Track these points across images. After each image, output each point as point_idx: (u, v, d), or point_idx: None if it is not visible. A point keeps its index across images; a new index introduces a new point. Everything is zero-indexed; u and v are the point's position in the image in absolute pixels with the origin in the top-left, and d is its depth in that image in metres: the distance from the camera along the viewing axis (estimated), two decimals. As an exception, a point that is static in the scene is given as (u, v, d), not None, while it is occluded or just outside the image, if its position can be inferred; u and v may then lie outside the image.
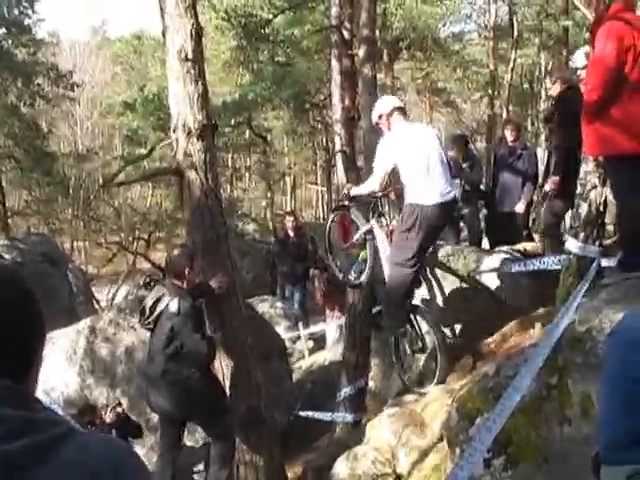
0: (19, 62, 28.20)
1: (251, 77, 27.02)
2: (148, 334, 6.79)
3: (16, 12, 27.93)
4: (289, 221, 14.45)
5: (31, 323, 1.55)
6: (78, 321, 10.82)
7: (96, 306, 20.38)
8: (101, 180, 40.11)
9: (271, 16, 21.69)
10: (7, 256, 17.44)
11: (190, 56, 7.39)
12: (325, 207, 40.71)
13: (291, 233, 14.10)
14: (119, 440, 1.58)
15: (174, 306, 6.24)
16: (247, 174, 37.88)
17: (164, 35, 7.75)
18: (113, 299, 20.69)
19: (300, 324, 12.93)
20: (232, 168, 34.68)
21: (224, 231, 7.49)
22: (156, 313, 6.38)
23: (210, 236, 7.17)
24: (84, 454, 1.38)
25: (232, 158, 35.75)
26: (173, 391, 6.31)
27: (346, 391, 8.59)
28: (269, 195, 34.32)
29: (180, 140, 7.22)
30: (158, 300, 6.40)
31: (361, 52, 9.63)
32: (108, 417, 8.06)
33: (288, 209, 35.56)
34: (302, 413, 9.54)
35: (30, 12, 28.47)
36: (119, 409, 8.19)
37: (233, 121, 26.18)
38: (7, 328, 1.47)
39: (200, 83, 7.33)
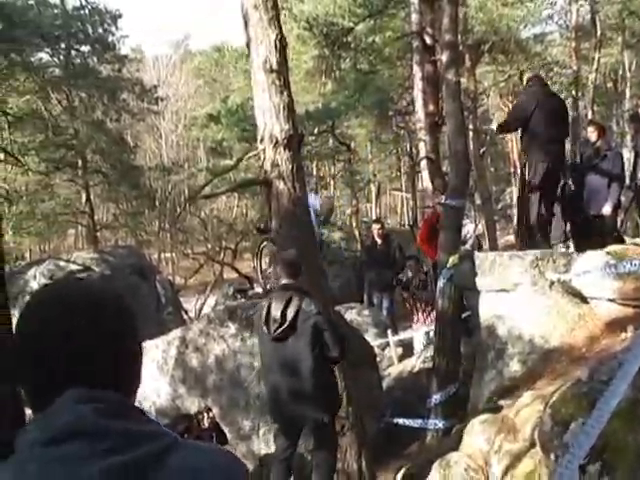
0: (104, 78, 28.98)
1: (334, 85, 27.21)
2: (266, 345, 6.54)
3: (100, 30, 28.62)
4: (376, 228, 14.52)
5: (132, 337, 1.60)
6: (167, 331, 11.03)
7: (184, 316, 20.64)
8: (187, 192, 40.78)
9: (352, 24, 21.81)
10: (96, 268, 17.79)
11: (275, 67, 7.53)
12: (410, 213, 40.59)
13: (378, 240, 14.16)
14: (224, 449, 1.63)
15: (311, 306, 6.18)
16: (332, 182, 37.96)
17: (248, 47, 7.92)
18: (201, 309, 20.95)
19: (389, 331, 12.94)
20: (317, 177, 34.82)
21: (313, 240, 7.58)
22: (289, 318, 6.21)
23: (298, 245, 7.22)
24: (190, 465, 1.43)
25: (317, 167, 35.95)
26: (317, 392, 6.23)
27: (437, 397, 8.58)
28: (354, 203, 34.34)
29: (267, 150, 7.35)
30: (287, 305, 6.22)
31: (444, 57, 9.60)
32: (205, 422, 8.20)
33: (373, 216, 35.64)
34: (392, 420, 9.53)
35: (113, 29, 29.24)
36: (211, 414, 8.33)
37: (317, 130, 26.39)
38: (110, 343, 1.51)
39: (285, 94, 7.45)
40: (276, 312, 6.23)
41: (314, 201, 16.04)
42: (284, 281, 6.47)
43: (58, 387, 1.44)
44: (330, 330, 6.16)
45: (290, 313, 6.18)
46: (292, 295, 6.24)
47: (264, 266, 11.77)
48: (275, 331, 6.23)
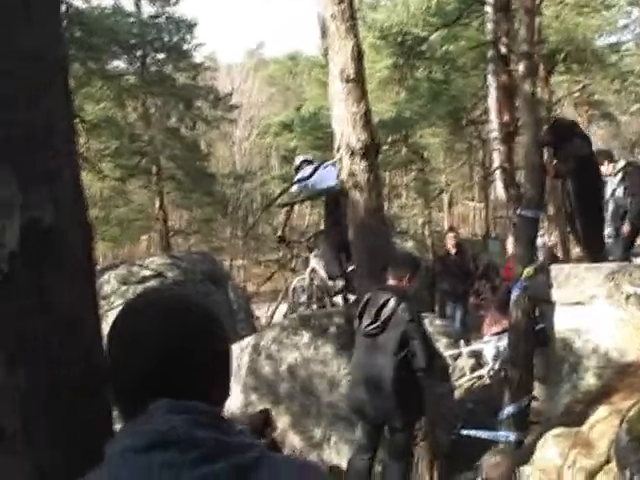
0: (179, 86, 29.35)
1: (407, 95, 27.18)
2: (362, 340, 6.78)
3: (175, 38, 29.01)
4: (450, 238, 14.48)
5: (222, 348, 1.63)
6: (239, 338, 11.12)
7: (255, 323, 20.72)
8: (259, 199, 41.08)
9: (426, 33, 21.82)
10: (169, 274, 17.91)
11: (352, 77, 7.61)
12: (483, 223, 40.28)
13: (452, 250, 14.13)
14: (313, 463, 1.67)
15: (406, 312, 6.30)
16: (404, 191, 37.89)
17: (325, 56, 8.03)
18: (272, 317, 21.08)
19: (461, 342, 12.89)
20: (390, 186, 34.81)
21: (388, 250, 7.64)
22: (382, 318, 6.39)
23: (374, 255, 7.31)
24: (279, 478, 1.46)
25: (389, 176, 35.91)
26: (396, 395, 6.35)
27: (509, 410, 8.52)
28: (426, 212, 34.19)
29: (344, 160, 7.44)
30: (383, 305, 6.40)
31: (520, 68, 9.54)
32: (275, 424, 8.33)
33: (446, 226, 35.42)
34: (464, 432, 9.49)
35: (189, 37, 29.56)
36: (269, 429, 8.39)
37: (390, 139, 26.38)
38: (205, 352, 1.56)
39: (362, 103, 7.54)
40: (372, 309, 6.42)
41: None
42: (390, 282, 6.65)
43: (151, 395, 1.48)
44: (419, 340, 6.27)
45: (384, 315, 6.34)
46: (391, 297, 6.39)
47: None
48: (367, 328, 6.44)
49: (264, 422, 8.21)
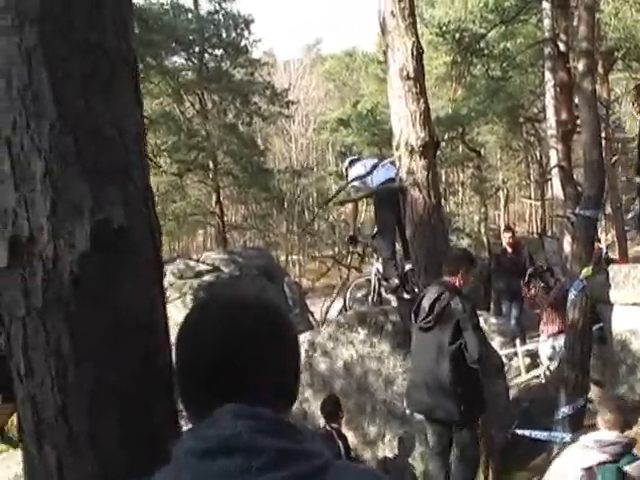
0: (237, 82, 29.45)
1: (464, 92, 27.05)
2: (416, 334, 6.95)
3: (233, 34, 29.12)
4: (506, 237, 14.35)
5: (292, 354, 1.63)
6: (295, 334, 11.15)
7: (311, 319, 20.74)
8: (315, 195, 41.18)
9: (484, 30, 21.68)
10: (225, 269, 18.00)
11: (411, 74, 7.59)
12: (539, 221, 39.90)
13: (508, 249, 14.02)
14: (378, 472, 1.64)
15: (459, 304, 6.42)
16: (461, 189, 37.65)
17: (385, 54, 8.02)
18: (327, 312, 21.02)
19: (517, 341, 12.79)
20: (446, 183, 34.65)
21: (447, 249, 7.63)
22: (436, 311, 6.52)
23: (433, 254, 7.31)
24: None
25: (446, 173, 35.76)
26: (455, 389, 6.47)
27: (564, 410, 8.45)
28: (483, 210, 33.94)
29: (403, 158, 7.42)
30: (437, 299, 6.54)
31: (580, 65, 9.40)
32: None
33: (502, 224, 35.14)
34: (519, 431, 9.41)
35: (246, 33, 29.64)
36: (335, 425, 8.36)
37: (447, 136, 26.22)
38: (267, 353, 1.54)
39: (422, 101, 7.52)
40: (426, 304, 6.56)
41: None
42: (444, 277, 6.78)
43: (215, 397, 1.48)
44: (471, 331, 6.35)
45: (437, 308, 6.48)
46: (444, 291, 6.53)
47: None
48: (422, 321, 6.59)
49: (335, 407, 8.28)
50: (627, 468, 5.23)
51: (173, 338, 1.66)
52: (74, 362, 1.78)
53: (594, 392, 8.89)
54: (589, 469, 5.33)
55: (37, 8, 1.83)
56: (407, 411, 8.53)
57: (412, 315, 6.81)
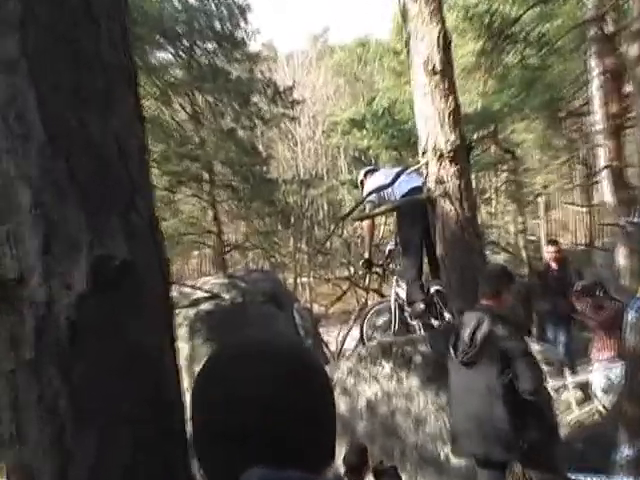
0: (234, 80, 29.18)
1: (496, 84, 26.96)
2: (455, 369, 6.78)
3: (228, 25, 29.02)
4: (550, 250, 14.19)
5: (328, 406, 1.63)
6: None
7: (325, 350, 20.69)
8: (326, 207, 41.10)
9: (518, 12, 21.64)
10: (226, 295, 17.99)
11: (438, 67, 7.58)
12: (585, 231, 39.78)
13: (553, 264, 13.90)
14: None
15: (503, 328, 6.31)
16: (494, 196, 37.58)
17: (406, 44, 8.01)
18: (343, 342, 21.03)
19: (566, 371, 12.72)
20: (477, 190, 34.59)
21: (483, 267, 7.56)
22: (478, 341, 6.40)
23: (468, 274, 7.26)
24: None
25: (476, 178, 35.65)
26: (512, 423, 6.29)
27: (626, 452, 8.39)
28: (520, 219, 33.84)
29: (430, 165, 7.41)
30: (477, 327, 6.41)
31: (633, 50, 9.41)
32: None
33: (542, 234, 35.00)
34: (573, 476, 9.34)
35: (243, 24, 29.44)
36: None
37: (476, 135, 26.15)
38: (301, 410, 1.54)
39: (451, 98, 7.50)
40: (465, 334, 6.43)
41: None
42: (482, 301, 6.64)
43: (243, 460, 1.46)
44: (523, 358, 6.22)
45: (479, 337, 6.34)
46: (485, 317, 6.39)
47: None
48: (463, 355, 6.44)
49: (361, 458, 8.05)
50: None
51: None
52: (74, 424, 1.76)
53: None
54: None
55: (19, 13, 1.80)
56: (444, 456, 8.49)
57: (450, 349, 6.66)
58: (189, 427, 1.64)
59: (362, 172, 11.33)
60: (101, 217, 1.80)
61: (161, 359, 1.92)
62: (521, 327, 8.93)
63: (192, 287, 18.33)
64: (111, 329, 1.78)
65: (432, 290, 9.61)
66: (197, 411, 1.59)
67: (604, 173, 17.53)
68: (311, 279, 41.60)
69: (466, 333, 6.43)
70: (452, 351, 6.60)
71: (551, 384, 12.35)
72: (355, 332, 13.53)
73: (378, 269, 12.07)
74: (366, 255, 11.23)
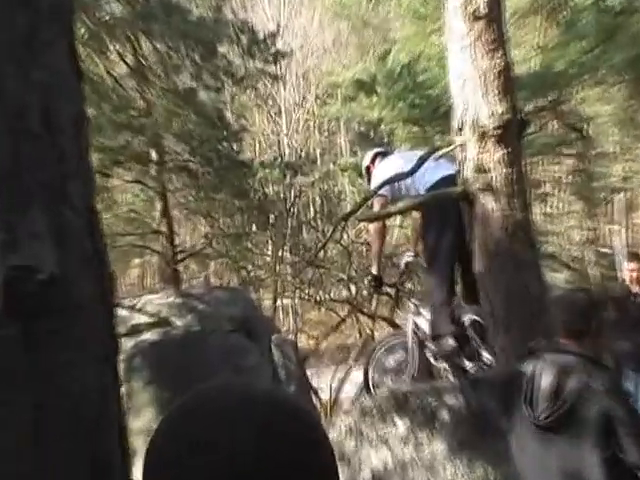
0: (195, 22, 28.94)
1: (561, 35, 26.99)
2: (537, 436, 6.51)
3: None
4: (632, 269, 14.22)
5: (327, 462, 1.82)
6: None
7: (315, 401, 20.67)
8: (319, 201, 41.06)
9: None
10: (178, 321, 17.99)
11: (482, 10, 7.61)
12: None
13: (634, 287, 13.92)
14: None
15: (603, 383, 6.13)
16: (554, 191, 37.61)
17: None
18: (339, 389, 21.09)
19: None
20: (531, 182, 34.66)
21: (540, 292, 7.57)
22: (568, 398, 6.15)
23: (519, 299, 7.26)
24: None
25: (530, 166, 35.61)
26: None
27: None
28: (589, 224, 33.88)
29: (469, 147, 7.43)
30: (562, 380, 6.20)
31: None
32: None
33: (621, 246, 35.10)
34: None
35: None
36: None
37: (532, 107, 26.12)
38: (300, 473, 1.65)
39: (500, 54, 7.53)
40: (546, 386, 6.25)
41: None
42: (562, 341, 6.49)
43: None
44: (629, 421, 6.07)
45: (569, 390, 6.15)
46: (573, 363, 6.25)
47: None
48: (544, 416, 6.25)
49: None
50: None
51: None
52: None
53: None
54: None
55: None
56: None
57: (524, 405, 6.42)
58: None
59: (369, 155, 11.31)
60: (20, 213, 1.78)
61: (100, 409, 1.92)
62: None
63: (131, 308, 18.31)
64: (34, 366, 1.78)
65: (466, 320, 9.62)
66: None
67: None
68: (297, 301, 41.57)
69: (549, 385, 6.25)
70: (526, 408, 6.38)
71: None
72: (357, 376, 13.56)
73: (390, 289, 12.03)
74: (374, 270, 11.15)
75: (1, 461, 1.77)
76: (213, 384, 1.78)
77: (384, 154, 10.90)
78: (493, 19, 7.49)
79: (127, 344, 16.58)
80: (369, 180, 10.72)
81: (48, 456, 1.81)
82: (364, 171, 11.12)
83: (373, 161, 10.80)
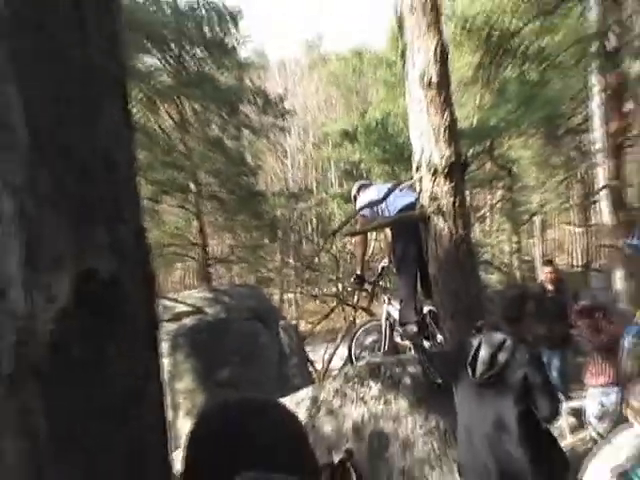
0: (223, 88, 29.10)
1: (493, 99, 26.98)
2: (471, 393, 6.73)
3: (218, 31, 28.94)
4: (546, 271, 14.26)
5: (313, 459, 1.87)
6: (290, 386, 11.06)
7: (311, 369, 20.67)
8: (315, 221, 41.05)
9: (517, 26, 21.74)
10: (209, 310, 18.01)
11: (434, 80, 7.60)
12: (582, 253, 39.92)
13: (548, 286, 13.93)
14: None
15: (525, 355, 6.34)
16: (489, 214, 37.63)
17: (403, 57, 8.04)
18: (330, 361, 20.96)
19: (560, 396, 12.71)
20: (472, 207, 34.60)
21: (477, 289, 7.59)
22: (500, 363, 6.40)
23: (461, 295, 7.28)
24: None
25: (471, 195, 35.65)
26: (532, 453, 6.25)
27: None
28: (515, 239, 33.87)
29: (424, 181, 7.42)
30: (499, 349, 6.44)
31: (635, 66, 9.45)
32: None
33: (537, 255, 35.08)
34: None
35: (233, 30, 29.35)
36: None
37: (472, 151, 26.13)
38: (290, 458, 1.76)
39: (447, 113, 7.51)
40: (484, 355, 6.44)
41: None
42: (498, 323, 6.69)
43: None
44: (542, 385, 6.27)
45: (501, 359, 6.37)
46: (508, 339, 6.43)
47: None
48: (482, 377, 6.45)
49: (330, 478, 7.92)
50: None
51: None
52: (52, 447, 1.74)
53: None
54: (623, 474, 5.60)
55: (7, 17, 1.80)
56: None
57: (467, 367, 6.59)
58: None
59: (356, 186, 11.32)
60: (87, 229, 1.79)
61: (146, 380, 1.91)
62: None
63: (174, 300, 18.32)
64: (94, 345, 1.77)
65: (425, 310, 9.61)
66: (187, 451, 1.84)
67: (603, 193, 17.59)
68: (298, 295, 41.58)
69: (486, 354, 6.45)
70: (469, 370, 6.55)
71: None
72: (342, 351, 13.51)
73: (368, 286, 12.04)
74: (358, 271, 11.18)
75: (69, 425, 1.76)
76: (232, 398, 2.00)
77: (366, 186, 10.93)
78: (442, 87, 7.48)
79: (172, 327, 16.59)
80: (355, 204, 10.77)
81: (104, 413, 1.80)
82: (352, 198, 11.16)
83: (358, 191, 10.82)
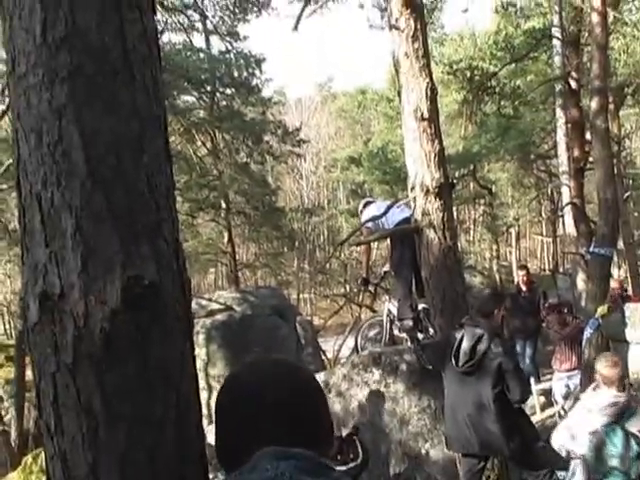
0: (249, 121, 29.22)
1: (476, 129, 27.01)
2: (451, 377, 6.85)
3: (245, 73, 29.04)
4: (521, 274, 14.31)
5: (324, 405, 1.77)
6: (307, 373, 11.03)
7: (323, 357, 20.64)
8: (326, 233, 41.10)
9: (495, 68, 21.78)
10: (238, 308, 18.04)
11: (426, 115, 7.61)
12: (551, 258, 39.82)
13: (523, 287, 13.96)
14: None
15: (499, 347, 6.41)
16: (472, 226, 37.62)
17: (399, 94, 8.04)
18: (339, 350, 20.88)
19: (531, 379, 12.70)
20: (458, 221, 34.57)
21: (462, 290, 7.59)
22: (479, 354, 6.47)
23: (449, 295, 7.28)
24: None
25: (457, 210, 35.65)
26: (503, 424, 6.37)
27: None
28: (494, 247, 33.88)
29: (418, 199, 7.43)
30: (477, 342, 6.50)
31: (593, 104, 9.45)
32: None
33: (513, 261, 35.03)
34: (534, 473, 9.31)
35: (258, 72, 29.41)
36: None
37: (457, 173, 26.19)
38: (305, 407, 1.67)
39: (436, 142, 7.52)
40: (466, 346, 6.50)
41: None
42: (478, 318, 6.71)
43: (258, 445, 1.55)
44: (513, 372, 6.33)
45: (480, 350, 6.42)
46: (484, 333, 6.47)
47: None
48: (464, 366, 6.51)
49: (338, 449, 7.87)
50: (629, 428, 5.56)
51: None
52: (105, 420, 1.78)
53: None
54: (595, 432, 5.60)
55: (68, 66, 1.84)
56: (424, 451, 8.50)
57: (452, 358, 6.67)
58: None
59: (362, 203, 11.30)
60: (133, 242, 1.83)
61: (181, 368, 1.93)
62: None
63: (209, 300, 18.41)
64: (140, 340, 1.81)
65: (419, 307, 9.61)
66: (217, 403, 1.71)
67: (567, 208, 17.66)
68: (312, 295, 41.56)
69: (467, 346, 6.51)
70: (453, 360, 6.63)
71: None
72: (350, 342, 13.47)
73: (372, 287, 12.04)
74: (363, 274, 11.28)
75: (119, 402, 1.79)
76: (255, 360, 1.83)
77: (370, 202, 10.92)
78: (432, 120, 7.49)
79: (206, 322, 16.65)
80: (361, 218, 10.77)
81: (148, 399, 1.82)
82: (359, 212, 11.15)
83: (363, 207, 10.81)
